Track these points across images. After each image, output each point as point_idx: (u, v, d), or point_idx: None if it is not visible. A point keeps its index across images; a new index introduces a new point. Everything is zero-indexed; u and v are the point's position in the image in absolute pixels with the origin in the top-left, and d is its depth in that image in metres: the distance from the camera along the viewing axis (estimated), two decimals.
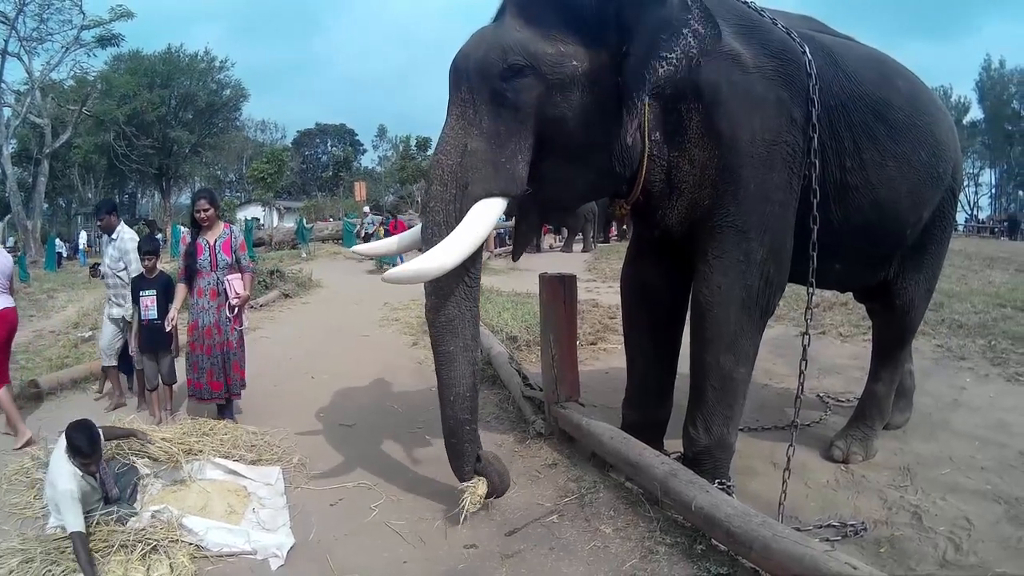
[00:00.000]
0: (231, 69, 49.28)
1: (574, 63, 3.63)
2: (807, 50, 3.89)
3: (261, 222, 38.46)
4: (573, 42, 3.65)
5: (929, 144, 4.41)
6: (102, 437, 4.16)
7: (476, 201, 3.65)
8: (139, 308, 5.96)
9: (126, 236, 6.50)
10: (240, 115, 54.78)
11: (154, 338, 5.91)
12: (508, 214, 4.02)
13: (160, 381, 6.00)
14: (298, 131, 70.47)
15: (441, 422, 4.05)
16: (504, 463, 4.21)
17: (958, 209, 6.03)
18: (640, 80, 3.49)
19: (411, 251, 4.20)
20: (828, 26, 4.69)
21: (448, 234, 3.61)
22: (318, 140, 71.64)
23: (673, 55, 3.47)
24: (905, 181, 4.32)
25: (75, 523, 3.71)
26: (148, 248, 6.22)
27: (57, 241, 29.52)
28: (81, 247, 32.63)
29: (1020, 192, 59.93)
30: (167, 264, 11.01)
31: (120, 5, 32.52)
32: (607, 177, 3.93)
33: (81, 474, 3.95)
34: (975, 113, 59.88)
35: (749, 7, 4.12)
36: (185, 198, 54.60)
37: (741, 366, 4.01)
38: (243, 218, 35.77)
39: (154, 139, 43.52)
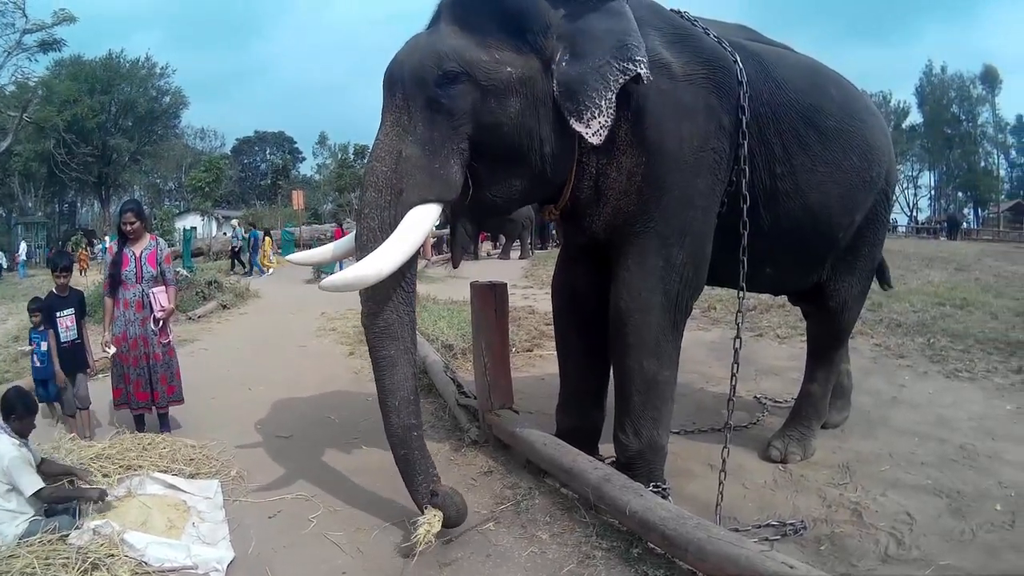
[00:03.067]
0: (171, 76, 48.86)
1: (509, 69, 3.63)
2: (738, 58, 3.95)
3: (199, 231, 37.49)
4: (508, 48, 3.66)
5: (861, 149, 4.50)
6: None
7: (410, 208, 3.62)
8: (56, 329, 5.62)
9: None
10: (179, 122, 54.65)
11: (74, 359, 5.68)
12: (443, 222, 3.99)
13: (77, 405, 5.72)
14: (237, 139, 69.97)
15: (387, 434, 3.93)
16: (463, 496, 4.04)
17: (898, 211, 6.14)
18: (602, 84, 3.55)
19: (348, 258, 4.14)
20: (762, 35, 4.76)
21: (383, 240, 3.57)
22: (257, 148, 71.06)
23: (638, 63, 3.53)
24: (836, 186, 4.40)
25: (36, 483, 3.85)
26: (64, 264, 5.93)
27: None
28: (21, 258, 31.67)
29: (959, 193, 61.73)
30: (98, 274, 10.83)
31: (63, 9, 31.91)
32: (540, 182, 3.93)
33: (19, 443, 3.94)
34: (915, 117, 61.77)
35: (682, 16, 4.18)
36: None
37: (665, 369, 4.03)
38: (181, 227, 35.17)
39: (94, 147, 42.93)
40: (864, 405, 5.91)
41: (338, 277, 3.67)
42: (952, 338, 8.09)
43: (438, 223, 4.08)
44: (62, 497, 3.98)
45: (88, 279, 16.12)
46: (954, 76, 58.67)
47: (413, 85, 3.66)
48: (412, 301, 3.85)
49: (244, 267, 21.96)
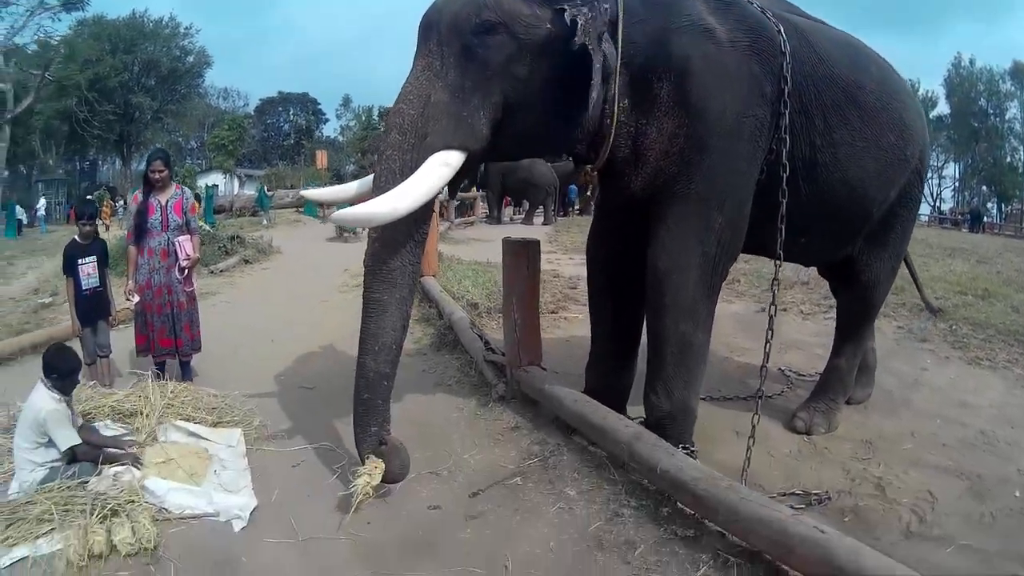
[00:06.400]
0: (195, 35, 48.83)
1: (548, 26, 3.62)
2: (781, 29, 3.94)
3: (221, 189, 37.23)
4: (547, 6, 3.64)
5: (898, 127, 4.51)
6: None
7: (433, 152, 3.62)
8: (77, 276, 5.62)
9: None
10: (203, 82, 54.52)
11: (96, 306, 5.71)
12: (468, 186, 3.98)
13: (98, 353, 5.72)
14: (260, 99, 69.33)
15: (356, 375, 3.91)
16: (408, 453, 4.01)
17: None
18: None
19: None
20: (801, 9, 4.72)
21: (402, 182, 3.57)
22: (280, 108, 70.35)
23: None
24: (873, 161, 4.41)
25: (71, 438, 3.90)
26: (89, 212, 5.99)
27: (17, 208, 28.52)
28: (40, 214, 31.79)
29: (983, 187, 60.88)
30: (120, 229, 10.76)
31: None
32: (563, 139, 3.96)
33: (59, 399, 3.96)
34: (942, 108, 60.70)
35: None
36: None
37: (700, 332, 4.03)
38: (203, 184, 35.09)
39: (116, 105, 43.08)
40: (887, 384, 5.88)
41: (350, 211, 3.70)
42: (974, 326, 7.96)
43: (465, 188, 4.06)
44: (95, 457, 3.95)
45: (110, 234, 16.20)
46: (983, 70, 57.80)
47: (449, 31, 3.67)
48: (420, 252, 3.85)
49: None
